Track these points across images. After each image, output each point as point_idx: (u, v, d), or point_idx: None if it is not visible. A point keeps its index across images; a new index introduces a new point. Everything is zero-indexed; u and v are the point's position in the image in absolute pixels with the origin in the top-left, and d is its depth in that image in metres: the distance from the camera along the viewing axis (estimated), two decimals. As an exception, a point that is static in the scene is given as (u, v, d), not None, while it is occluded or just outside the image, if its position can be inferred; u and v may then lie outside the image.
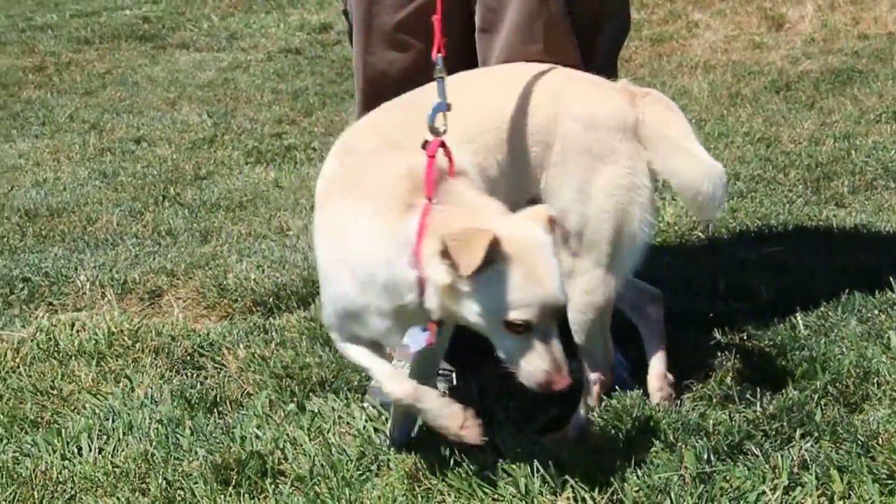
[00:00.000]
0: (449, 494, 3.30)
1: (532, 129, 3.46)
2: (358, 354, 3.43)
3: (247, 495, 3.45)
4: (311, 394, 4.13)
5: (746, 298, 4.65)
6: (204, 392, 4.20)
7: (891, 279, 4.51)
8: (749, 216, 5.77)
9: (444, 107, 3.22)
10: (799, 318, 4.34)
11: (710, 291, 4.77)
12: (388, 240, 3.12)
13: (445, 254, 2.95)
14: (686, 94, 8.58)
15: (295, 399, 4.07)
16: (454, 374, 4.17)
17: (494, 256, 2.93)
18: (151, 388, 4.27)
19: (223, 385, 4.28)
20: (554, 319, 3.01)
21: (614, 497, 3.20)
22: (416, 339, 3.19)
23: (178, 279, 5.54)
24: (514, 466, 3.34)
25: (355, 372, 4.27)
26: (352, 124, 3.70)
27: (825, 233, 5.46)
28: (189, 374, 4.45)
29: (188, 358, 4.58)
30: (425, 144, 3.15)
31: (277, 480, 3.55)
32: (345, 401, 4.04)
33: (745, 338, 4.22)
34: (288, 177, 7.61)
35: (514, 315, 2.95)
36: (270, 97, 9.91)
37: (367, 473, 3.54)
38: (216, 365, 4.50)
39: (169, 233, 6.50)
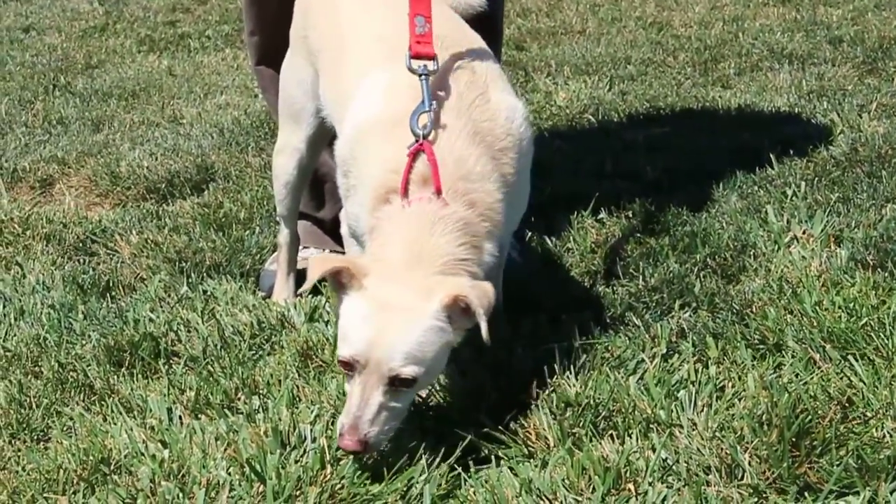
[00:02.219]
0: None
1: None
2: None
3: (140, 375, 3.49)
4: (204, 277, 4.16)
5: (632, 178, 4.75)
6: (96, 277, 4.21)
7: (771, 157, 4.64)
8: (638, 98, 5.86)
9: (426, 107, 2.96)
10: (682, 195, 4.45)
11: (597, 172, 4.86)
12: (367, 230, 3.02)
13: None
14: (580, -20, 8.61)
15: (188, 282, 4.10)
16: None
17: (342, 288, 2.81)
18: (43, 274, 4.27)
19: (116, 270, 4.29)
20: (382, 380, 2.74)
21: (503, 368, 3.29)
22: None
23: (69, 168, 5.51)
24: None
25: (248, 256, 4.31)
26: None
27: (711, 114, 5.58)
28: (81, 260, 4.45)
29: (80, 245, 4.58)
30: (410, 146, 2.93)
31: (171, 361, 3.59)
32: (238, 283, 4.09)
33: (630, 216, 4.33)
34: (182, 65, 7.55)
35: (339, 347, 2.81)
36: (162, -16, 9.75)
37: (260, 352, 3.59)
38: (109, 251, 4.50)
39: (60, 122, 6.43)
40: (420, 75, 2.97)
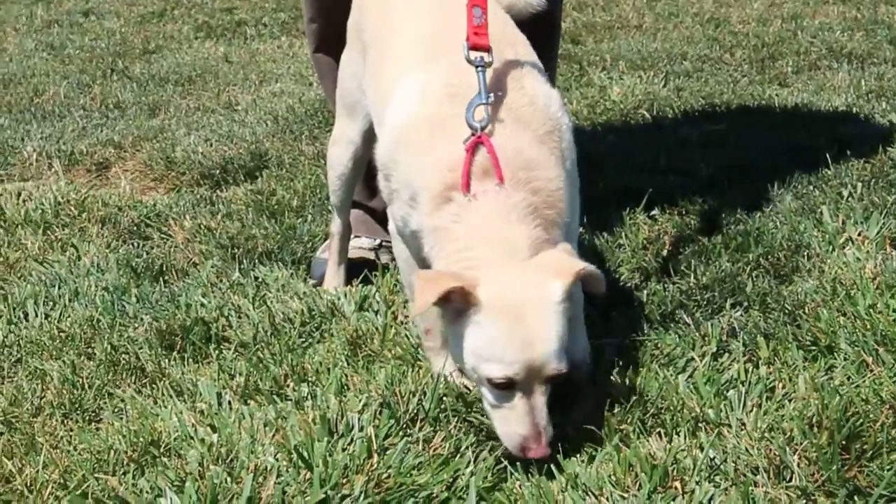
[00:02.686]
0: (389, 361, 3.38)
1: None
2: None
3: (191, 360, 3.51)
4: (256, 264, 4.19)
5: (686, 175, 4.73)
6: (150, 261, 4.25)
7: (827, 157, 4.60)
8: (694, 95, 5.83)
9: (483, 99, 2.91)
10: (736, 193, 4.42)
11: (651, 168, 4.84)
12: (427, 233, 2.93)
13: None
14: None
15: (240, 268, 4.13)
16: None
17: (464, 307, 2.71)
18: (97, 256, 4.31)
19: (169, 255, 4.33)
20: (541, 382, 2.73)
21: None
22: None
23: (125, 151, 5.56)
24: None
25: (300, 243, 4.33)
26: None
27: (767, 111, 5.54)
28: (135, 243, 4.49)
29: (135, 228, 4.62)
30: (465, 140, 2.87)
31: (221, 346, 3.61)
32: (289, 271, 4.11)
33: (684, 212, 4.31)
34: (238, 52, 7.59)
35: (484, 370, 2.72)
36: (221, -29, 9.80)
37: (310, 340, 3.61)
38: (162, 235, 4.54)
39: (117, 106, 6.49)
40: (476, 66, 2.95)
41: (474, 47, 2.99)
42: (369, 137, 3.67)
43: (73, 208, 4.75)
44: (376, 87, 3.34)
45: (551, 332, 2.70)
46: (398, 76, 3.14)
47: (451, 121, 2.90)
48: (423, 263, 3.04)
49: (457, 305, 2.72)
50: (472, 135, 2.86)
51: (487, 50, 2.99)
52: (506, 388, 2.71)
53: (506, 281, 2.72)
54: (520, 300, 2.70)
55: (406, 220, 3.03)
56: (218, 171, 5.23)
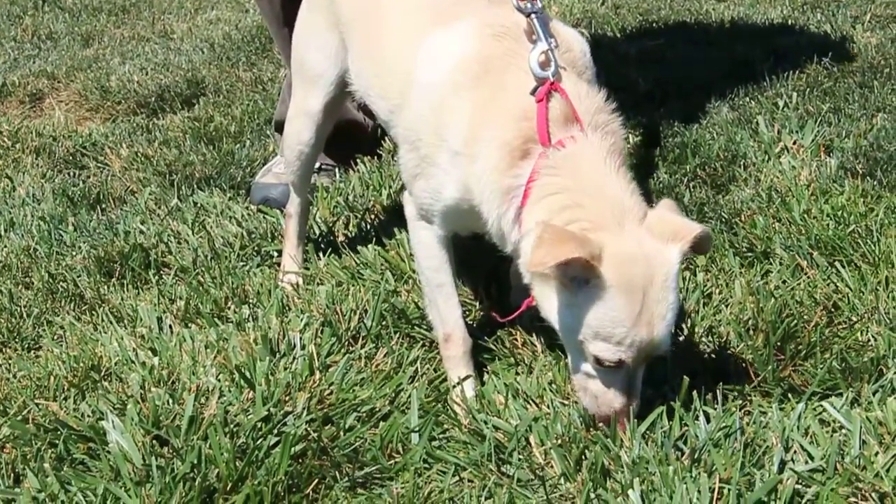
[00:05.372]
0: (327, 281, 3.38)
1: None
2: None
3: (130, 286, 3.50)
4: (195, 190, 4.16)
5: (624, 91, 4.71)
6: (86, 190, 4.21)
7: (763, 68, 4.61)
8: (631, 12, 5.81)
9: (547, 45, 2.66)
10: (674, 107, 4.43)
11: (590, 84, 4.82)
12: (497, 194, 2.64)
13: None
14: None
15: (179, 195, 4.10)
16: (336, 169, 4.22)
17: (589, 275, 2.43)
18: (33, 186, 4.27)
19: (106, 183, 4.29)
20: (645, 361, 2.53)
21: (491, 280, 3.30)
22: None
23: (59, 82, 5.48)
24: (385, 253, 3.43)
25: (239, 168, 4.31)
26: None
27: (704, 26, 5.53)
28: (71, 173, 4.45)
29: (70, 158, 4.57)
30: (534, 91, 2.62)
31: (161, 272, 3.60)
32: (228, 196, 4.08)
33: (622, 127, 4.30)
34: (171, -20, 7.45)
35: (597, 349, 2.48)
36: None
37: (250, 263, 3.60)
38: (99, 164, 4.50)
39: (49, 37, 6.39)
40: (528, 14, 2.71)
41: None
42: (331, 111, 3.40)
43: (5, 139, 4.69)
44: (371, 62, 3.08)
45: (670, 313, 2.47)
46: (410, 45, 2.88)
47: (506, 65, 2.68)
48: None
49: (574, 272, 2.45)
50: (542, 82, 2.62)
51: None
52: (613, 367, 2.51)
53: (629, 252, 2.45)
54: (643, 276, 2.44)
55: (440, 190, 2.77)
56: (154, 100, 5.17)
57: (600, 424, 2.54)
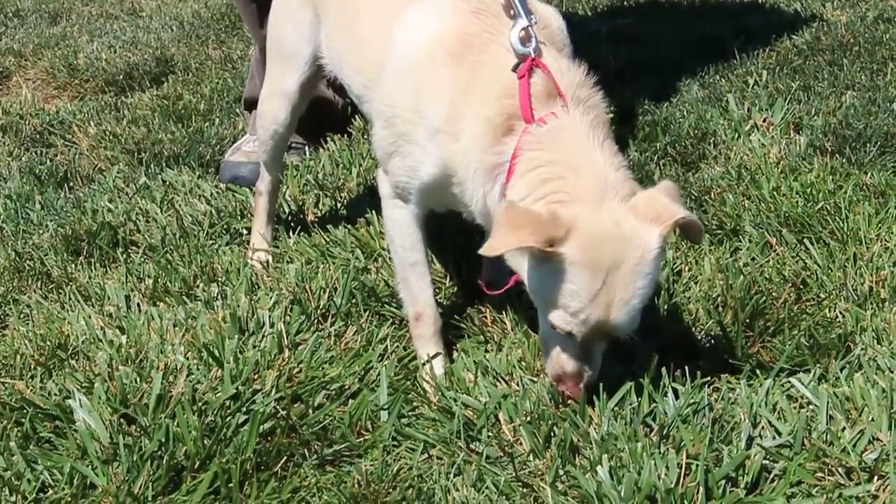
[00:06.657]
0: (297, 259, 3.36)
1: None
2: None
3: (98, 264, 3.47)
4: (163, 168, 4.13)
5: (595, 68, 4.69)
6: (54, 168, 4.18)
7: (733, 47, 4.62)
8: (603, -10, 5.81)
9: (528, 21, 2.64)
10: (644, 85, 4.43)
11: (560, 62, 4.81)
12: (481, 171, 2.61)
13: None
14: None
15: (147, 173, 4.07)
16: (306, 147, 4.20)
17: (550, 255, 2.39)
18: (-1, 165, 4.24)
19: (74, 161, 4.26)
20: (604, 338, 2.51)
21: (461, 258, 3.29)
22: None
23: (26, 60, 5.44)
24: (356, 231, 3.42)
25: (208, 146, 4.28)
26: None
27: (675, 5, 5.54)
28: (38, 151, 4.41)
29: (38, 136, 4.53)
30: (516, 67, 2.59)
31: (129, 250, 3.57)
32: (197, 174, 4.06)
33: (592, 105, 4.30)
34: (140, -43, 7.39)
35: (552, 314, 2.46)
36: None
37: (219, 241, 3.58)
38: (66, 142, 4.46)
39: (16, 14, 6.34)
40: None
41: None
42: (306, 90, 3.37)
43: (-29, 117, 4.65)
44: (347, 39, 3.06)
45: (635, 299, 2.42)
46: (387, 21, 2.84)
47: (487, 41, 2.65)
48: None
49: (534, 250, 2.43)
50: (524, 58, 2.59)
51: None
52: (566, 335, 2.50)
53: (600, 229, 2.41)
54: (611, 256, 2.39)
55: (418, 168, 2.74)
56: (122, 78, 5.14)
57: (569, 401, 2.54)
